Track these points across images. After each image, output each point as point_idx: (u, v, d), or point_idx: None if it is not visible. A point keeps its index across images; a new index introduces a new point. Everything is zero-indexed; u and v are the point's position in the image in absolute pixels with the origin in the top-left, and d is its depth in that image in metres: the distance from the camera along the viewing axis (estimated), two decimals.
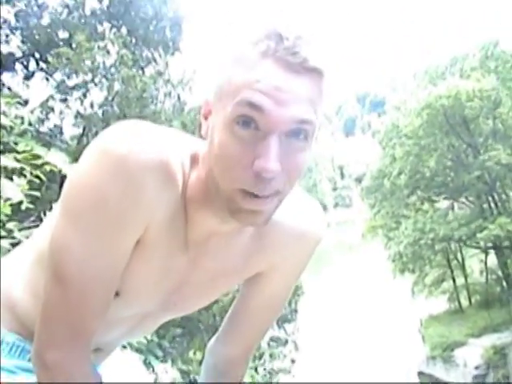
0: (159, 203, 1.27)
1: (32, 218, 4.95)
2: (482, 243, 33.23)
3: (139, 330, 1.61)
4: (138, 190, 1.22)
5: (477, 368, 31.28)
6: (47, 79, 10.62)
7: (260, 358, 12.02)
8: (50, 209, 4.84)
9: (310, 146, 1.23)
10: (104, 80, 9.70)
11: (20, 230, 4.35)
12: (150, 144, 1.25)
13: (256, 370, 11.09)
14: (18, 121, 6.49)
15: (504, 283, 36.79)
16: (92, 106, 9.75)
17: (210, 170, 1.25)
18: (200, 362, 10.18)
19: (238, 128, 1.16)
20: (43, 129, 10.01)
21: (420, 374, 35.11)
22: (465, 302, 39.45)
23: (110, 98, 9.28)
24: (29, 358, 1.47)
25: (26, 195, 4.54)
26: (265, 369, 12.49)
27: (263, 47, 1.16)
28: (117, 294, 1.35)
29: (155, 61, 10.65)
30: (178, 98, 10.55)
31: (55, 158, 6.15)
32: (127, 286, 1.37)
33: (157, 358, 7.68)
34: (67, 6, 10.71)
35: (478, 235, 32.41)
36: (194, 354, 10.67)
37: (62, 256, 1.26)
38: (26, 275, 1.52)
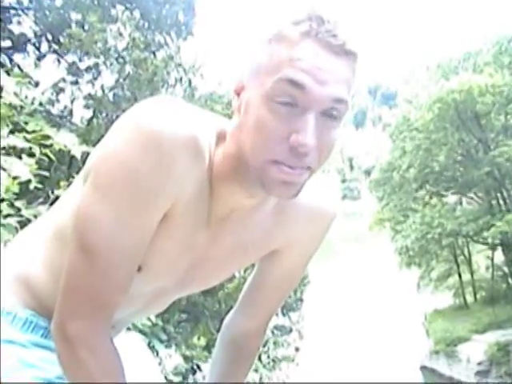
0: (188, 179, 1.29)
1: (40, 200, 4.95)
2: (489, 239, 33.15)
3: (152, 307, 1.61)
4: (168, 165, 1.24)
5: (480, 364, 31.31)
6: (59, 61, 10.58)
7: (264, 345, 12.05)
8: (59, 189, 4.84)
9: (340, 126, 1.28)
10: (115, 63, 9.68)
11: (28, 208, 4.35)
12: (181, 120, 1.27)
13: (260, 357, 11.12)
14: (29, 101, 6.48)
15: (510, 280, 36.76)
16: (103, 88, 9.73)
17: (241, 144, 1.27)
18: (204, 348, 10.21)
19: (277, 105, 1.19)
20: (54, 110, 10.00)
21: (423, 368, 35.15)
22: (470, 298, 39.44)
23: (121, 81, 9.26)
24: (41, 334, 1.48)
25: (35, 175, 4.54)
26: (268, 356, 12.54)
27: (305, 27, 1.19)
28: (138, 269, 1.36)
29: (167, 45, 10.62)
30: (189, 83, 10.53)
31: (65, 139, 6.15)
32: (149, 260, 1.37)
33: (161, 341, 7.69)
34: None
35: (486, 233, 32.37)
36: (198, 339, 10.70)
37: (89, 227, 1.27)
38: (42, 251, 1.51)
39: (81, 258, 1.28)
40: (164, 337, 8.25)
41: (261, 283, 1.71)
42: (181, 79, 10.32)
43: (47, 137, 5.26)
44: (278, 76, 1.19)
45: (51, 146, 5.12)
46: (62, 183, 4.93)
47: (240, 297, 1.82)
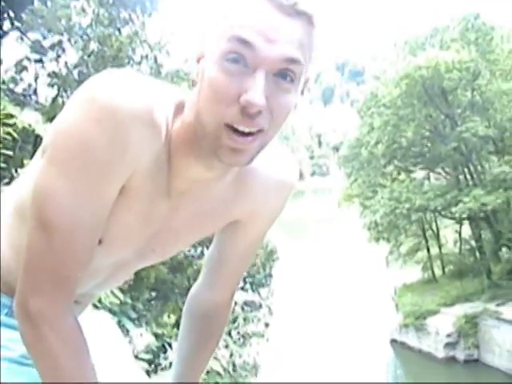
0: (144, 151, 1.28)
1: (6, 180, 4.89)
2: (456, 214, 33.53)
3: (114, 279, 1.60)
4: (123, 137, 1.23)
5: (448, 336, 31.78)
6: (22, 39, 10.43)
7: (234, 321, 12.12)
8: (23, 168, 4.78)
9: (297, 91, 1.26)
10: (80, 40, 9.55)
11: None
12: (136, 92, 1.26)
13: (230, 333, 11.18)
14: None
15: (477, 254, 37.24)
16: (67, 66, 9.61)
17: (198, 111, 1.26)
18: (174, 326, 10.21)
19: (228, 63, 1.19)
20: (17, 89, 9.88)
21: (392, 341, 35.57)
22: (438, 272, 39.94)
23: (85, 58, 9.14)
24: (6, 313, 1.46)
25: None
26: (238, 332, 12.61)
27: None
28: (99, 242, 1.35)
29: (132, 21, 10.49)
30: (155, 60, 10.43)
31: (29, 118, 6.08)
32: (109, 233, 1.36)
33: (131, 319, 7.68)
34: None
35: (453, 208, 32.72)
36: (168, 317, 10.71)
37: (47, 203, 1.25)
38: (4, 228, 1.49)
39: (39, 233, 1.27)
40: (134, 315, 8.24)
41: (225, 254, 1.71)
42: (146, 56, 10.23)
43: (10, 115, 5.20)
44: (228, 36, 1.19)
45: (14, 124, 5.06)
46: (26, 162, 4.87)
47: (203, 268, 1.81)
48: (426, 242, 40.33)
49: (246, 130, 1.22)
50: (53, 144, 1.28)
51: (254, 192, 1.53)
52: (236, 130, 1.22)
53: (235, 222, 1.61)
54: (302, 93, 1.33)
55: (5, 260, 1.47)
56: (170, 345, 8.95)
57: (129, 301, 7.72)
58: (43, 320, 1.26)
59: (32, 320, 1.27)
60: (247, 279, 14.60)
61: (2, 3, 9.72)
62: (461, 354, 31.54)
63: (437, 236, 39.98)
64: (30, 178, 1.39)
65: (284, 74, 1.22)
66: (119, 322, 6.76)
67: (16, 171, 4.63)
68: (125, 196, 1.32)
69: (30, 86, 10.07)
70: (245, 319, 13.44)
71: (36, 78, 9.94)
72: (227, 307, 1.83)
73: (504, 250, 32.33)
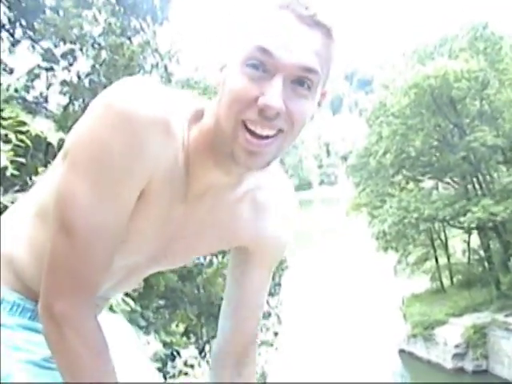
0: (161, 157, 1.33)
1: (16, 188, 4.92)
2: (465, 224, 33.43)
3: (126, 282, 1.62)
4: (141, 143, 1.29)
5: (457, 347, 31.66)
6: (33, 47, 10.47)
7: None
8: (36, 175, 4.81)
9: (313, 99, 1.33)
10: (91, 48, 9.60)
11: (5, 195, 4.33)
12: (152, 99, 1.32)
13: None
14: (4, 87, 6.41)
15: (486, 264, 37.11)
16: (79, 74, 9.65)
17: (218, 116, 1.32)
18: (183, 334, 10.22)
19: (248, 69, 1.26)
20: (29, 97, 9.92)
21: (401, 351, 35.45)
22: (447, 282, 39.80)
23: (96, 67, 9.19)
24: (29, 316, 1.49)
25: (11, 162, 4.50)
26: None
27: (282, 1, 1.26)
28: None
29: (143, 30, 10.53)
30: (165, 68, 10.47)
31: (40, 125, 6.10)
32: (126, 236, 1.39)
33: (140, 327, 7.69)
34: None
35: (462, 218, 32.63)
36: (177, 326, 10.71)
37: (68, 207, 1.30)
38: (25, 231, 1.52)
39: (62, 237, 1.31)
40: (143, 323, 8.24)
41: (242, 292, 1.71)
42: (157, 65, 10.27)
43: (23, 123, 5.22)
44: (252, 45, 1.26)
45: (27, 132, 5.08)
46: (39, 169, 4.90)
47: (221, 320, 1.78)
48: (435, 251, 40.19)
49: (264, 133, 1.27)
50: (73, 150, 1.33)
51: (264, 218, 1.57)
52: (253, 133, 1.27)
53: (245, 253, 1.64)
54: (319, 104, 1.39)
55: (26, 263, 1.50)
56: (178, 353, 8.95)
57: (138, 309, 7.73)
58: (66, 321, 1.31)
59: (56, 322, 1.31)
60: None
61: (15, 12, 9.78)
62: (469, 365, 31.41)
63: (445, 246, 39.86)
64: (51, 181, 1.44)
65: (301, 81, 1.27)
66: None
67: (30, 179, 4.66)
68: (143, 201, 1.36)
69: (41, 94, 10.10)
70: None
71: (48, 86, 9.97)
72: (254, 344, 1.81)
73: None
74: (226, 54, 1.35)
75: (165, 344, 8.95)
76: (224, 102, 1.29)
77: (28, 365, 1.45)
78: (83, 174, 1.29)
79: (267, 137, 1.28)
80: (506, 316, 30.54)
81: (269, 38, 1.24)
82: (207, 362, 7.76)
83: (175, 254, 1.57)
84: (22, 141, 4.67)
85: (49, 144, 6.33)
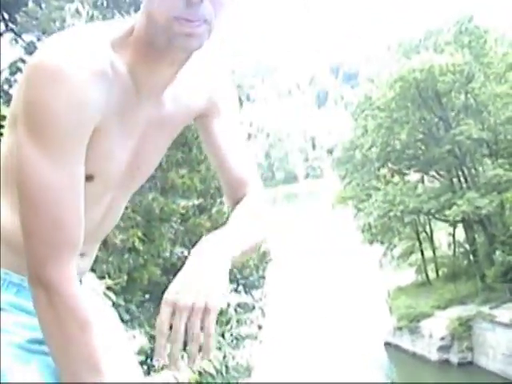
0: (107, 101, 1.37)
1: None
2: (450, 217, 33.59)
3: (111, 215, 1.63)
4: (81, 98, 1.32)
5: (442, 339, 31.85)
6: (16, 40, 10.43)
7: (227, 323, 12.11)
8: None
9: None
10: None
11: None
12: (83, 49, 1.34)
13: (223, 335, 11.17)
14: None
15: (471, 256, 37.33)
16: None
17: (148, 16, 1.38)
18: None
19: None
20: (11, 90, 9.86)
21: (386, 344, 35.62)
22: (432, 275, 40.02)
23: None
24: (15, 292, 1.49)
25: None
26: (231, 334, 12.60)
27: None
28: (91, 179, 1.42)
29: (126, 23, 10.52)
30: None
31: None
32: (98, 166, 1.44)
33: (124, 321, 7.67)
34: None
35: (447, 212, 32.78)
36: None
37: (28, 177, 1.32)
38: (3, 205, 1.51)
39: (28, 206, 1.34)
40: (127, 317, 8.23)
41: (217, 148, 1.74)
42: None
43: (4, 117, 5.18)
44: None
45: None
46: None
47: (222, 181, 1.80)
48: (420, 244, 40.41)
49: (193, 18, 1.35)
50: (20, 118, 1.35)
51: (205, 81, 1.65)
52: (184, 19, 1.34)
53: (205, 121, 1.70)
54: None
55: (9, 236, 1.49)
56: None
57: (122, 303, 7.71)
58: (52, 287, 1.33)
59: (43, 288, 1.33)
60: (240, 281, 14.59)
61: None
62: (455, 357, 31.61)
63: (430, 239, 40.06)
64: (8, 148, 1.46)
65: None
66: None
67: None
68: (99, 133, 1.39)
69: None
70: (238, 321, 13.44)
71: None
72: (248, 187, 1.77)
73: (498, 252, 32.34)
74: None
75: (149, 338, 8.94)
76: (152, 5, 1.36)
77: (11, 348, 1.44)
78: (33, 139, 1.31)
79: (196, 20, 1.36)
80: (491, 308, 30.73)
81: None
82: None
83: (146, 160, 1.61)
84: (2, 134, 4.63)
85: None
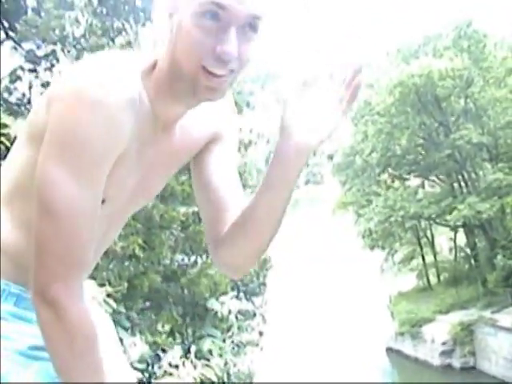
0: (134, 128, 1.43)
1: None
2: (451, 222, 33.55)
3: (111, 231, 1.67)
4: (115, 126, 1.37)
5: (444, 344, 31.77)
6: (15, 49, 10.44)
7: (228, 330, 12.08)
8: None
9: (258, 37, 1.47)
10: (73, 50, 9.58)
11: None
12: (119, 78, 1.40)
13: (224, 342, 11.16)
14: None
15: (472, 261, 37.26)
16: (60, 75, 9.63)
17: (175, 56, 1.43)
18: (168, 335, 10.18)
19: (205, 20, 1.39)
20: (11, 99, 9.87)
21: (388, 349, 35.54)
22: (433, 280, 39.96)
23: None
24: (14, 302, 1.50)
25: None
26: (233, 341, 12.56)
27: None
28: (102, 202, 1.44)
29: (125, 31, 10.52)
30: None
31: (22, 127, 6.07)
32: (110, 191, 1.47)
33: (124, 329, 7.67)
34: None
35: (448, 216, 32.75)
36: (163, 326, 10.66)
37: (50, 191, 1.35)
38: (4, 216, 1.53)
39: (46, 222, 1.35)
40: (127, 324, 8.21)
41: (213, 179, 1.71)
42: None
43: (4, 125, 5.20)
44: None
45: (8, 134, 5.06)
46: None
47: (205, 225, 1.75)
48: (421, 249, 40.36)
49: (220, 73, 1.41)
50: (49, 137, 1.37)
51: (211, 116, 1.70)
52: (211, 73, 1.41)
53: (204, 151, 1.72)
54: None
55: (9, 247, 1.51)
56: (164, 351, 8.92)
57: (122, 310, 7.70)
58: (59, 304, 1.34)
59: (50, 305, 1.34)
60: (241, 288, 14.57)
61: None
62: (457, 362, 31.53)
63: (432, 244, 40.01)
64: (19, 163, 1.51)
65: (250, 25, 1.42)
66: None
67: None
68: (120, 159, 1.44)
69: (23, 95, 10.07)
70: (239, 328, 13.39)
71: (30, 88, 9.93)
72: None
73: (499, 257, 32.27)
74: (172, 2, 1.46)
75: (150, 345, 8.93)
76: (182, 49, 1.41)
77: (12, 354, 1.46)
78: (62, 159, 1.34)
79: (224, 75, 1.42)
80: (493, 313, 30.66)
81: None
82: (192, 362, 7.72)
83: (151, 184, 1.66)
84: (1, 143, 4.65)
85: None
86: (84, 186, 1.35)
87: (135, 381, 1.87)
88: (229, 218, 1.65)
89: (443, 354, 31.81)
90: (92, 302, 1.86)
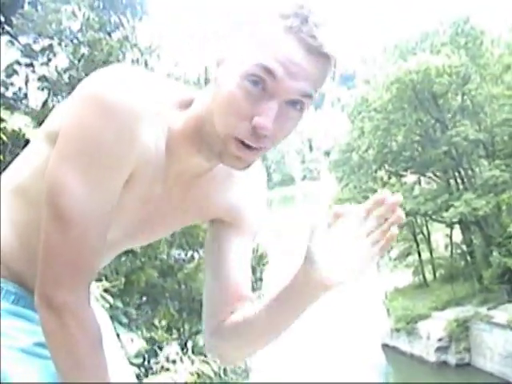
0: (147, 144, 1.37)
1: None
2: (447, 218, 33.61)
3: (102, 259, 1.62)
4: (130, 133, 1.32)
5: (440, 340, 31.87)
6: (12, 43, 10.41)
7: None
8: None
9: (302, 117, 1.38)
10: (70, 44, 9.56)
11: None
12: (141, 89, 1.35)
13: None
14: None
15: (468, 258, 37.33)
16: (57, 70, 9.60)
17: (210, 111, 1.36)
18: (165, 330, 10.19)
19: (249, 84, 1.29)
20: (7, 93, 9.86)
21: (384, 346, 35.61)
22: (429, 276, 40.06)
23: (75, 62, 9.14)
24: (12, 300, 1.48)
25: None
26: None
27: (289, 23, 1.29)
28: None
29: (122, 25, 10.50)
30: (146, 64, 10.44)
31: (19, 122, 6.06)
32: (115, 214, 1.42)
33: (121, 324, 7.66)
34: None
35: (444, 213, 32.80)
36: (160, 322, 10.68)
37: (61, 196, 1.32)
38: (3, 212, 1.50)
39: (55, 227, 1.33)
40: (124, 319, 8.21)
41: (224, 262, 1.66)
42: (137, 60, 10.24)
43: (1, 119, 5.19)
44: (256, 60, 1.28)
45: (4, 128, 5.05)
46: None
47: (205, 305, 1.71)
48: (417, 246, 40.43)
49: (254, 145, 1.33)
50: (62, 140, 1.34)
51: (236, 190, 1.64)
52: (243, 143, 1.33)
53: (221, 225, 1.66)
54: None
55: (7, 247, 1.48)
56: (160, 348, 8.92)
57: (120, 305, 7.70)
58: (67, 310, 1.32)
59: (55, 311, 1.32)
60: None
61: None
62: (452, 358, 31.63)
63: (428, 240, 40.09)
64: (31, 162, 1.48)
65: (295, 103, 1.32)
66: None
67: None
68: (127, 182, 1.39)
69: (20, 89, 10.05)
70: None
71: (26, 82, 9.92)
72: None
73: (495, 254, 32.35)
74: (224, 49, 1.38)
75: (147, 340, 8.93)
76: (220, 106, 1.33)
77: (10, 351, 1.43)
78: (75, 164, 1.32)
79: (255, 148, 1.34)
80: (489, 309, 30.76)
81: (274, 60, 1.28)
82: (189, 357, 7.72)
83: (152, 230, 1.61)
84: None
85: (27, 141, 6.28)
86: (96, 191, 1.33)
87: (133, 377, 1.86)
88: (233, 310, 1.62)
89: (439, 350, 31.91)
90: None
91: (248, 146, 1.33)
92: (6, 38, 10.35)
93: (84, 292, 1.35)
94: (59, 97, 9.38)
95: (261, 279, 15.57)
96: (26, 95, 9.89)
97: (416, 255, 40.71)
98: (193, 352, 7.91)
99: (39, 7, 9.53)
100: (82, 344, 1.33)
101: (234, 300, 1.64)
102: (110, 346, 1.74)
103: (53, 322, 1.33)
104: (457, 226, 37.37)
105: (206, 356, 8.39)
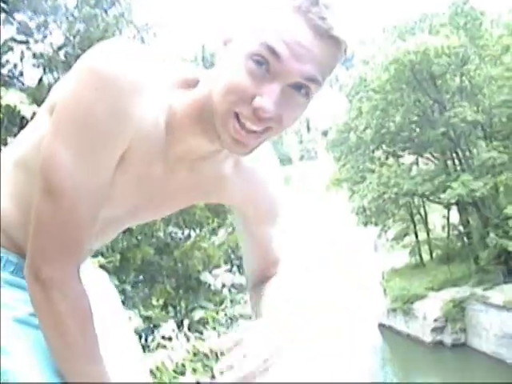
0: (143, 119, 1.34)
1: None
2: (444, 200, 33.64)
3: (104, 234, 1.62)
4: (125, 107, 1.30)
5: (436, 320, 31.98)
6: (8, 20, 10.36)
7: (221, 303, 12.19)
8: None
9: (308, 104, 1.35)
10: (65, 21, 9.52)
11: None
12: (138, 63, 1.33)
13: (217, 314, 11.26)
14: None
15: (465, 239, 37.41)
16: (53, 47, 9.57)
17: (211, 91, 1.33)
18: (162, 308, 10.23)
19: (253, 64, 1.26)
20: (3, 70, 9.82)
21: (380, 325, 35.77)
22: (426, 257, 40.17)
23: (71, 39, 9.10)
24: (12, 270, 1.49)
25: None
26: (226, 314, 12.66)
27: (298, 3, 1.25)
28: None
29: (119, 2, 10.43)
30: (142, 41, 10.41)
31: (14, 98, 6.04)
32: (113, 192, 1.42)
33: None
34: None
35: (442, 194, 32.82)
36: (157, 300, 10.72)
37: (53, 170, 1.31)
38: (5, 182, 1.51)
39: (47, 200, 1.32)
40: (121, 297, 8.24)
41: (250, 245, 1.79)
42: (134, 37, 10.21)
43: None
44: (262, 40, 1.25)
45: None
46: (10, 140, 4.85)
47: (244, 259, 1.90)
48: (414, 226, 40.52)
49: (253, 128, 1.30)
50: (57, 113, 1.34)
51: (250, 181, 1.61)
52: (243, 125, 1.29)
53: (239, 211, 1.71)
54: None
55: (8, 217, 1.48)
56: (156, 326, 8.97)
57: (116, 282, 7.73)
58: (54, 285, 1.32)
59: (43, 284, 1.32)
60: (234, 262, 14.67)
61: None
62: (448, 339, 31.75)
63: (425, 221, 40.16)
64: (33, 134, 1.47)
65: (300, 86, 1.28)
66: None
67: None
68: (123, 158, 1.37)
69: (15, 66, 10.02)
70: (232, 301, 13.51)
71: (22, 59, 9.88)
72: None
73: (491, 235, 32.39)
74: (232, 29, 1.35)
75: (144, 318, 8.97)
76: (221, 87, 1.30)
77: (11, 321, 1.44)
78: (68, 137, 1.30)
79: (255, 131, 1.30)
80: (485, 290, 30.83)
81: (280, 40, 1.24)
82: (185, 334, 7.77)
83: (154, 209, 1.60)
84: None
85: (23, 118, 6.26)
86: (89, 165, 1.32)
87: (139, 347, 1.88)
88: (267, 273, 1.88)
89: (435, 330, 32.04)
90: (97, 269, 1.89)
91: (248, 130, 1.30)
92: (1, 15, 10.30)
93: (71, 267, 1.35)
94: (55, 74, 9.35)
95: None
96: (21, 73, 9.87)
97: (413, 236, 40.81)
98: (189, 329, 7.94)
99: None
100: (68, 319, 1.33)
101: (267, 267, 1.87)
102: (114, 314, 1.75)
103: (38, 295, 1.33)
104: (454, 207, 37.42)
105: (201, 333, 8.44)
